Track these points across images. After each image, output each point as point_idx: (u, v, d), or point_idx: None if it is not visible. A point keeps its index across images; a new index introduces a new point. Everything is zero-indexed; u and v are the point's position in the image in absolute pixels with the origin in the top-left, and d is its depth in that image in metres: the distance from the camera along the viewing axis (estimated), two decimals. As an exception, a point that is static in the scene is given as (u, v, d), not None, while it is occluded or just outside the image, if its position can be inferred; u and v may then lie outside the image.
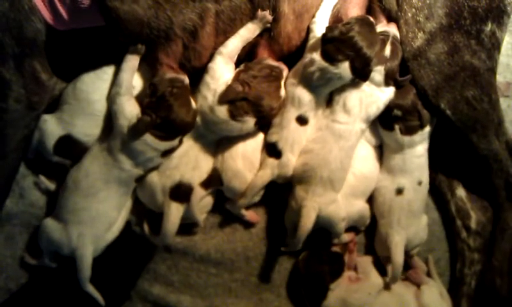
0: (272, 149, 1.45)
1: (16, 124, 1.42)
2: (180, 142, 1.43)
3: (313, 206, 1.41)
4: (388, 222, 1.49)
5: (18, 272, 1.55)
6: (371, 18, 1.44)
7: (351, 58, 1.38)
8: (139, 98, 1.44)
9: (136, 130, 1.37)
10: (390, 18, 1.49)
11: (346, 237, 1.53)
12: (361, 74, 1.41)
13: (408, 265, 1.53)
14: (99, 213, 1.42)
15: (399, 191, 1.49)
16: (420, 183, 1.50)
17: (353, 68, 1.39)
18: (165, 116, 1.37)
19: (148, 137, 1.38)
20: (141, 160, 1.40)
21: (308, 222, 1.39)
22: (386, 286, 1.49)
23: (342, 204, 1.45)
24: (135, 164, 1.41)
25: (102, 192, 1.41)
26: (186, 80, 1.43)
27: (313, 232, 1.47)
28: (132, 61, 1.44)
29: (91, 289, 1.40)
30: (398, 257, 1.45)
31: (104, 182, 1.41)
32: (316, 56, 1.40)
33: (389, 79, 1.44)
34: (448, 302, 1.52)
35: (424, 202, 1.53)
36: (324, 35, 1.39)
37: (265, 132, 1.49)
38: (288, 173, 1.45)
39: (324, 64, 1.39)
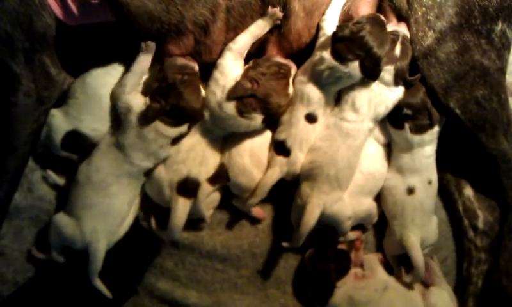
0: (280, 147, 1.45)
1: (25, 118, 1.43)
2: (189, 128, 1.43)
3: (318, 203, 1.41)
4: (401, 223, 1.48)
5: (26, 266, 1.55)
6: (382, 17, 1.43)
7: (361, 58, 1.38)
8: (146, 84, 1.44)
9: (146, 117, 1.38)
10: (400, 17, 1.48)
11: (352, 235, 1.53)
12: (371, 74, 1.40)
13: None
14: (111, 208, 1.42)
15: (410, 191, 1.48)
16: (430, 182, 1.49)
17: (363, 68, 1.39)
18: (175, 103, 1.38)
19: (158, 124, 1.38)
20: (152, 149, 1.40)
21: (310, 219, 1.39)
22: (407, 285, 1.50)
23: (347, 203, 1.45)
24: (146, 155, 1.41)
25: (113, 187, 1.42)
26: (196, 67, 1.44)
27: (320, 230, 1.48)
28: (143, 63, 1.43)
29: (99, 283, 1.40)
30: (417, 257, 1.44)
31: (115, 177, 1.42)
32: (326, 54, 1.39)
33: (398, 79, 1.44)
34: (454, 302, 1.52)
35: (434, 201, 1.53)
36: (334, 33, 1.38)
37: (273, 130, 1.49)
38: (297, 171, 1.45)
39: (333, 63, 1.39)
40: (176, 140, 1.43)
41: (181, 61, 1.43)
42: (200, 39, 1.43)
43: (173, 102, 1.38)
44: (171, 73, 1.40)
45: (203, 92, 1.42)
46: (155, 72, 1.44)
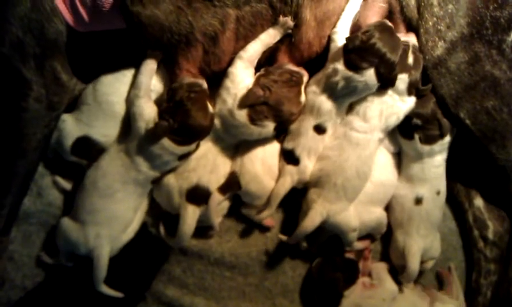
0: (289, 156, 1.46)
1: (36, 123, 1.44)
2: (197, 146, 1.44)
3: (321, 211, 1.41)
4: (406, 232, 1.49)
5: (35, 271, 1.56)
6: (389, 23, 1.43)
7: (375, 65, 1.37)
8: (158, 102, 1.45)
9: (154, 135, 1.38)
10: (411, 27, 1.48)
11: (359, 245, 1.53)
12: (387, 79, 1.40)
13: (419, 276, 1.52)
14: (116, 214, 1.43)
15: (418, 200, 1.49)
16: (438, 192, 1.50)
17: (379, 75, 1.38)
18: (182, 120, 1.37)
19: (166, 142, 1.38)
20: (157, 163, 1.41)
21: (310, 223, 1.40)
22: (400, 292, 1.49)
23: (353, 214, 1.45)
24: (152, 167, 1.41)
25: (119, 193, 1.42)
26: (204, 84, 1.44)
27: (327, 239, 1.48)
28: (150, 65, 1.45)
29: (104, 289, 1.41)
30: (414, 264, 1.45)
31: (121, 183, 1.42)
32: (339, 66, 1.39)
33: (412, 88, 1.43)
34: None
35: (441, 212, 1.53)
36: (345, 46, 1.38)
37: (280, 141, 1.50)
38: (307, 179, 1.46)
39: (348, 73, 1.38)
40: (183, 156, 1.42)
41: (189, 79, 1.43)
42: (209, 49, 1.44)
43: (180, 119, 1.37)
44: (178, 91, 1.39)
45: (211, 109, 1.41)
46: (165, 92, 1.44)
